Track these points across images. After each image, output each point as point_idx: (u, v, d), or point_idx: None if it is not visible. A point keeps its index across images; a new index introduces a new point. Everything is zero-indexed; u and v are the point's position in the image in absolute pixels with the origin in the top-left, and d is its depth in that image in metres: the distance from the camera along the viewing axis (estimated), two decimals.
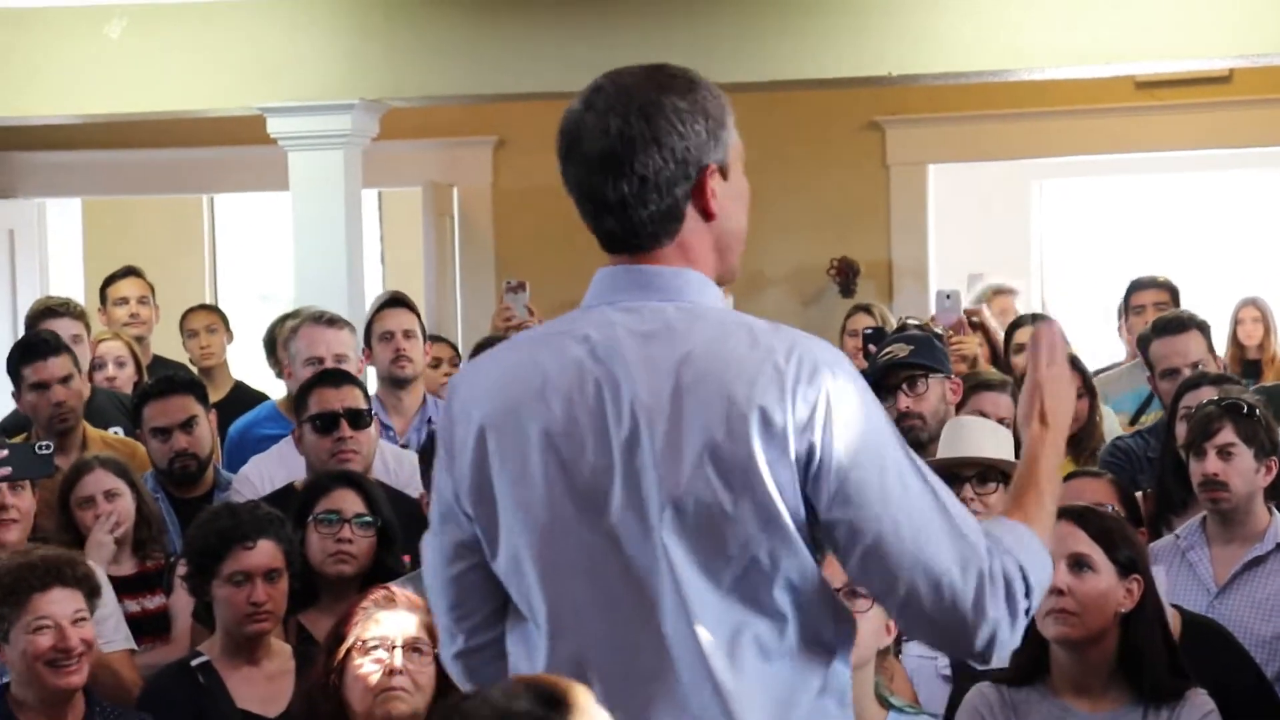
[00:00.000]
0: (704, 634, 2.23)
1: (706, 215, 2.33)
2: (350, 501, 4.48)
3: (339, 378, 5.18)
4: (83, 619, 3.89)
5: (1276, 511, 4.55)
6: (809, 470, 2.22)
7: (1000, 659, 2.33)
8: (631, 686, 2.25)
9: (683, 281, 2.32)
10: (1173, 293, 6.99)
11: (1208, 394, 4.77)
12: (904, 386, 4.82)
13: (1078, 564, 3.60)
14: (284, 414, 5.80)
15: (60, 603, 3.87)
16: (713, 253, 2.36)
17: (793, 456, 2.22)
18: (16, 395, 5.63)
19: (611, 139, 2.29)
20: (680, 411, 2.23)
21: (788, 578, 2.25)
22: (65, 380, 5.49)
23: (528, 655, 2.34)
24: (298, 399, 5.17)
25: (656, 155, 2.29)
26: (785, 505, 2.22)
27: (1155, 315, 6.75)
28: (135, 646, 4.51)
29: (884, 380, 4.81)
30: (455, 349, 7.30)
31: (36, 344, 5.62)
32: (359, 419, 5.04)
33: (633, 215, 2.30)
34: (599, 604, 2.27)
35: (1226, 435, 4.48)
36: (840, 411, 2.23)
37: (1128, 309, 7.00)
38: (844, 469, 2.22)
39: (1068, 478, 4.54)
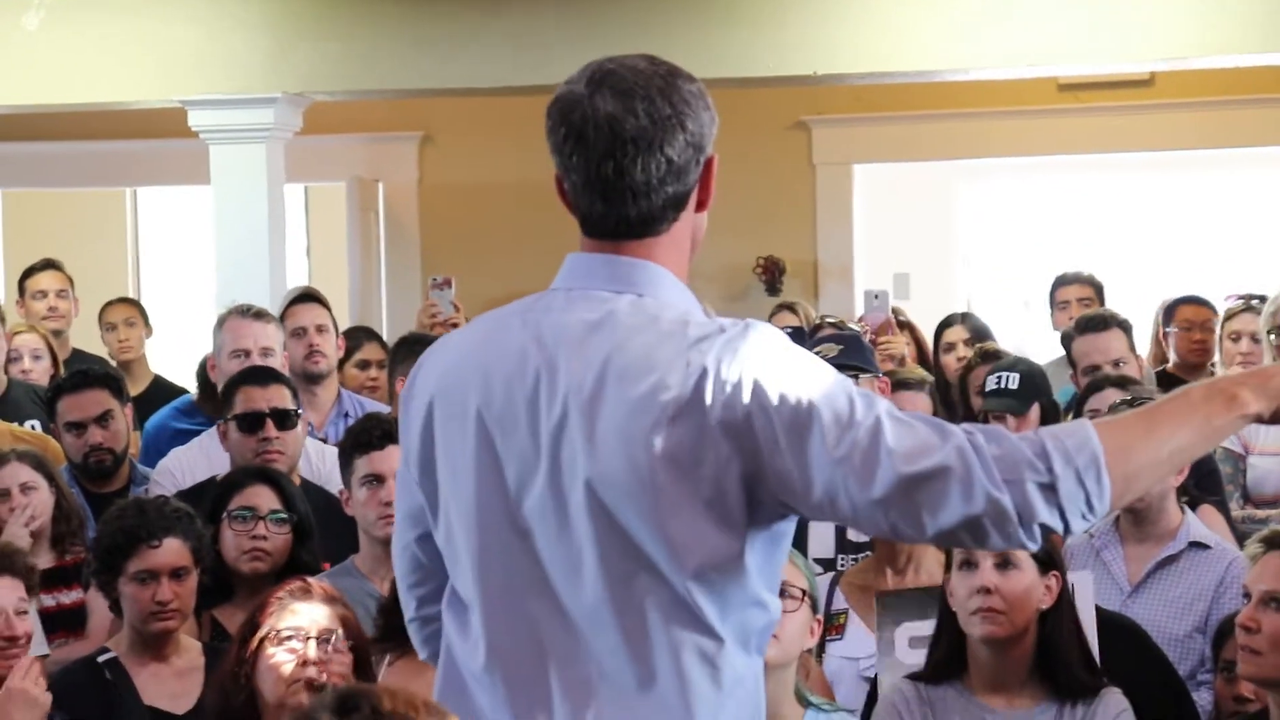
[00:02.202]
0: (614, 623, 2.24)
1: (701, 204, 2.36)
2: (265, 498, 4.43)
3: (266, 376, 5.12)
4: (25, 611, 3.88)
5: (1189, 510, 4.59)
6: (744, 432, 2.18)
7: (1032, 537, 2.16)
8: (537, 673, 2.27)
9: (645, 274, 2.31)
10: (1097, 288, 7.08)
11: (1112, 395, 4.80)
12: None
13: (1003, 562, 3.63)
14: (199, 408, 5.75)
15: (5, 591, 3.85)
16: (689, 242, 2.37)
17: (719, 432, 2.18)
18: None
19: (642, 120, 2.27)
20: (600, 403, 2.23)
21: (699, 567, 2.23)
22: None
23: (460, 630, 2.35)
24: (224, 394, 5.11)
25: (681, 138, 2.30)
26: (700, 495, 2.21)
27: (1079, 310, 6.87)
28: (47, 651, 4.46)
29: None
30: (385, 347, 7.25)
31: None
32: (285, 419, 4.99)
33: (655, 198, 2.30)
34: (511, 588, 2.28)
35: None
36: (767, 369, 2.19)
37: (1053, 304, 7.09)
38: (782, 418, 2.16)
39: None
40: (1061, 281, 7.17)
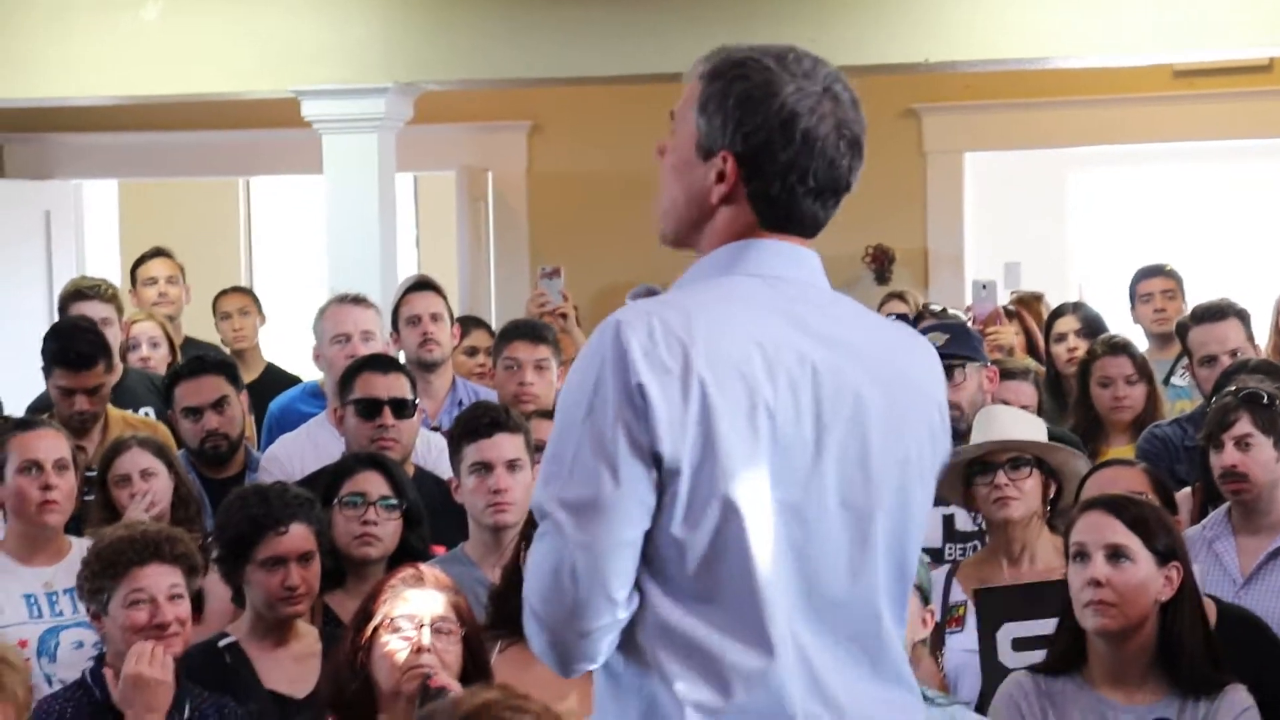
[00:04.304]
0: (879, 609, 2.35)
1: None
2: (375, 484, 4.47)
3: (387, 364, 5.19)
4: (179, 595, 3.91)
5: None
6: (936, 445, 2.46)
7: None
8: (829, 663, 2.31)
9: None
10: (1178, 281, 6.99)
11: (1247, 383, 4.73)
12: None
13: (1115, 554, 3.58)
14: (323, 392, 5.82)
15: (158, 578, 3.89)
16: None
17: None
18: (47, 377, 5.61)
19: (861, 131, 2.47)
20: (895, 399, 2.35)
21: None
22: (93, 392, 5.46)
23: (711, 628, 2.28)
24: (343, 379, 5.18)
25: None
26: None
27: (1163, 303, 6.82)
28: None
29: None
30: (493, 335, 7.27)
31: (70, 352, 5.46)
32: (403, 408, 5.05)
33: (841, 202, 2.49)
34: (797, 576, 2.29)
35: (1244, 426, 4.44)
36: None
37: (1134, 297, 7.00)
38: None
39: (1100, 466, 4.51)
40: (1143, 275, 7.06)
